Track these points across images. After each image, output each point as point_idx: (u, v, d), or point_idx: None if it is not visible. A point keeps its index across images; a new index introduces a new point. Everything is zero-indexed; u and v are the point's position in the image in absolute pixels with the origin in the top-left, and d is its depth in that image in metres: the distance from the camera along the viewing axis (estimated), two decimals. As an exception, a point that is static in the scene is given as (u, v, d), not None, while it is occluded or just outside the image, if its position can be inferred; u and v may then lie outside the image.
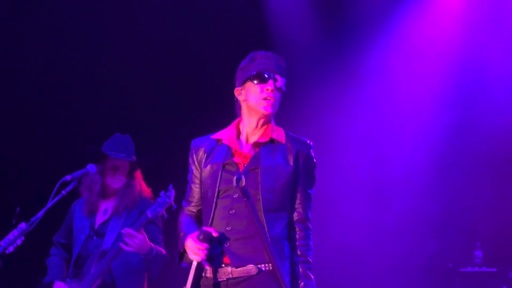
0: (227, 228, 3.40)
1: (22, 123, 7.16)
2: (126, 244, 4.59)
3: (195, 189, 3.62)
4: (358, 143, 7.31)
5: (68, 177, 4.22)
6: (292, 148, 3.50)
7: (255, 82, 3.53)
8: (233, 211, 3.40)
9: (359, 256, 7.16)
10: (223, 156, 3.52)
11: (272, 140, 3.53)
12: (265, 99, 3.51)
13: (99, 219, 5.03)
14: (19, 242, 4.36)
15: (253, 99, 3.53)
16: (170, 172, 6.17)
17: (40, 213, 4.09)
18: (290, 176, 3.45)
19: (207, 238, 3.33)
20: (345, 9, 7.24)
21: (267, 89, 3.51)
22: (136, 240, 4.61)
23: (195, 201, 3.63)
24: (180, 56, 7.17)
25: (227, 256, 3.39)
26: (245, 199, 3.18)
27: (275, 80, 3.53)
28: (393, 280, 7.13)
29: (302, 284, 3.39)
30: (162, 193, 4.74)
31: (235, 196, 3.41)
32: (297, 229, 3.46)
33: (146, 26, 7.19)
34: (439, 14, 7.29)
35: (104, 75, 7.17)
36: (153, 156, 5.26)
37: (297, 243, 3.44)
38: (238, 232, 3.37)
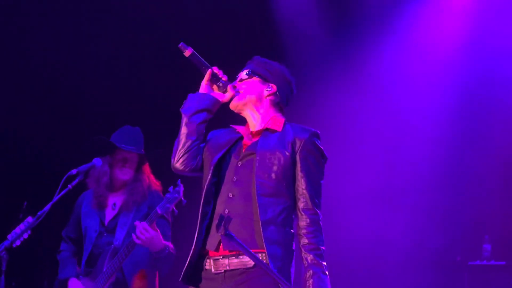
0: (225, 212, 3.44)
1: (28, 118, 7.17)
2: (137, 237, 4.60)
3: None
4: (365, 136, 7.29)
5: (74, 171, 4.21)
6: (291, 135, 3.53)
7: None
8: (231, 194, 3.46)
9: (367, 251, 7.15)
10: (235, 139, 3.63)
11: (271, 129, 3.58)
12: None
13: (108, 214, 5.03)
14: (25, 236, 4.37)
15: None
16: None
17: (47, 207, 4.09)
18: (286, 162, 3.47)
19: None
20: (353, 6, 7.21)
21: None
22: (148, 235, 4.61)
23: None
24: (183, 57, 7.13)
25: (222, 242, 3.41)
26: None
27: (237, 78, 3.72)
28: (401, 274, 7.12)
29: (311, 272, 3.37)
30: (171, 188, 4.73)
31: (234, 179, 3.49)
32: (304, 216, 3.45)
33: (155, 22, 7.16)
34: (448, 10, 7.25)
35: (113, 69, 7.17)
36: (161, 149, 5.24)
37: (304, 230, 3.43)
38: (236, 215, 3.37)
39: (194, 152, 3.61)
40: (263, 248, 3.34)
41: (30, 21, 6.99)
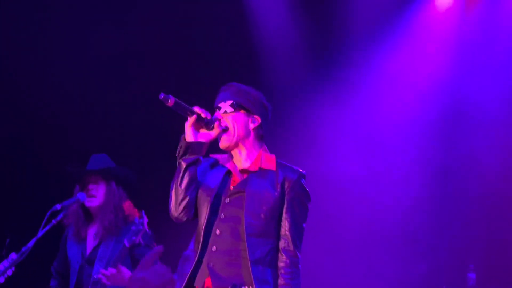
0: (212, 249, 3.43)
1: (9, 151, 7.12)
2: (107, 278, 4.63)
3: None
4: (347, 158, 7.26)
5: (58, 206, 4.22)
6: (280, 175, 3.53)
7: None
8: (219, 231, 3.45)
9: (348, 279, 7.12)
10: (222, 174, 3.58)
11: (264, 169, 3.56)
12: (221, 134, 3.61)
13: (89, 245, 5.01)
14: (9, 272, 4.36)
15: None
16: (150, 192, 6.13)
17: (31, 243, 4.08)
18: (275, 202, 3.48)
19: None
20: (334, 18, 7.21)
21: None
22: (117, 277, 4.64)
23: None
24: (164, 76, 7.09)
25: (209, 276, 3.40)
26: None
27: (219, 109, 3.61)
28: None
29: None
30: (136, 220, 4.74)
31: (222, 216, 3.47)
32: (284, 257, 3.46)
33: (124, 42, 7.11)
34: (433, 26, 7.30)
35: (85, 99, 7.12)
36: (129, 169, 5.19)
37: (282, 271, 3.44)
38: (223, 253, 3.40)
39: (193, 200, 3.53)
40: (252, 286, 3.35)
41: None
